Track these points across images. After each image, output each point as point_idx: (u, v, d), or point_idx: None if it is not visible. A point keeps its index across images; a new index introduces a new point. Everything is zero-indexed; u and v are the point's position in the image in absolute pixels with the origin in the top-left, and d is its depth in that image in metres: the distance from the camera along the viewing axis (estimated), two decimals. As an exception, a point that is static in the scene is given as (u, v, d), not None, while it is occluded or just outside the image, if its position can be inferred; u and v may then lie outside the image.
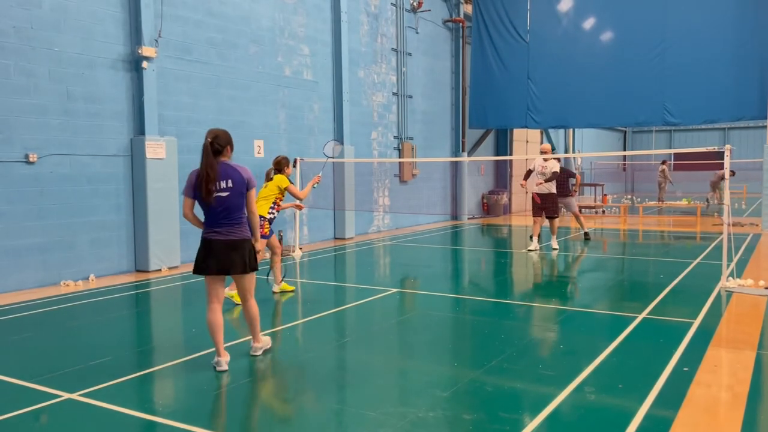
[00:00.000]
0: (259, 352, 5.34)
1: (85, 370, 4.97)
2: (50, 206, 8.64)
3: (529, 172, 11.94)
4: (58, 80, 8.70)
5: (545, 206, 11.74)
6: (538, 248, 11.71)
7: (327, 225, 13.95)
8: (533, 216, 11.96)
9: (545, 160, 11.59)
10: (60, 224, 8.76)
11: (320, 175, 8.18)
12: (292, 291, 8.05)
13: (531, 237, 11.93)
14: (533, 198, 11.83)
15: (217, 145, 4.82)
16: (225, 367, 4.93)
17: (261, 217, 7.23)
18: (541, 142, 25.10)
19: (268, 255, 7.90)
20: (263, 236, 7.24)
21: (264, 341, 5.43)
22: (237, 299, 7.02)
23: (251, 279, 5.12)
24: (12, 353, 5.57)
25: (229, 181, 4.84)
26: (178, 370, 5.07)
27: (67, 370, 4.96)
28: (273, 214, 7.48)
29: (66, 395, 4.41)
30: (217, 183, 4.80)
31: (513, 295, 8.35)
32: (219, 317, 4.98)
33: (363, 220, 14.89)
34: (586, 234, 13.34)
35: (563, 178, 12.98)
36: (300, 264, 10.55)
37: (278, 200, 7.53)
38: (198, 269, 4.93)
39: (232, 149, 4.97)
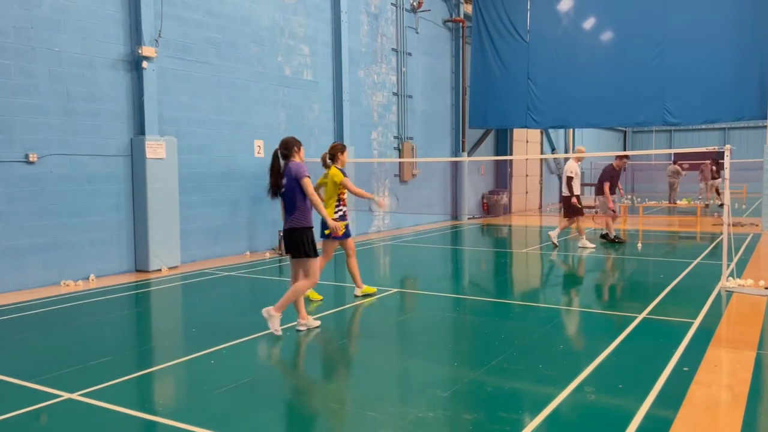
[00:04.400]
0: (303, 328, 6.06)
1: (85, 370, 4.97)
2: (50, 206, 8.64)
3: (570, 179, 11.94)
4: (58, 80, 8.70)
5: (578, 207, 11.95)
6: (593, 246, 11.93)
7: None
8: (570, 216, 12.10)
9: (579, 160, 11.84)
10: (60, 224, 8.76)
11: (384, 200, 8.09)
12: (373, 292, 7.75)
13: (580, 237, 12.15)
14: (575, 201, 11.93)
15: (284, 151, 5.89)
16: (302, 328, 6.05)
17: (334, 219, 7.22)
18: (541, 142, 25.07)
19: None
20: (339, 237, 7.14)
21: (310, 321, 6.13)
22: (370, 290, 7.68)
23: (304, 263, 5.91)
24: (12, 353, 5.58)
25: (285, 179, 5.88)
26: (178, 370, 5.07)
27: (67, 370, 4.96)
28: (341, 210, 7.34)
29: (66, 395, 4.41)
30: (281, 182, 5.89)
31: (513, 295, 8.35)
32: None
33: (363, 220, 14.88)
34: (616, 237, 12.97)
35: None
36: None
37: (341, 196, 7.34)
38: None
39: (299, 150, 5.94)
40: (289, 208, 5.90)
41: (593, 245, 12.07)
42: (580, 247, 11.91)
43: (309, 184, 5.79)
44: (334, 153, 7.43)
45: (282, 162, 5.88)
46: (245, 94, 11.60)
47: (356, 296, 7.66)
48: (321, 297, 7.58)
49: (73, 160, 8.92)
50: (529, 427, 3.80)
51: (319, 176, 7.56)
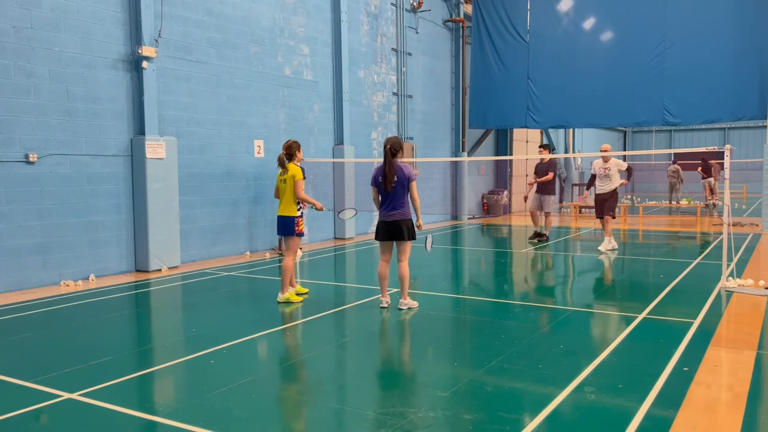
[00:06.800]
0: (404, 307, 6.87)
1: (85, 370, 4.97)
2: (50, 206, 8.64)
3: (593, 178, 11.86)
4: (58, 80, 8.70)
5: (606, 205, 11.66)
6: (615, 246, 11.64)
7: (327, 225, 13.95)
8: (597, 217, 11.95)
9: (606, 160, 11.60)
10: (60, 224, 8.76)
11: (323, 208, 7.72)
12: (300, 301, 7.48)
13: (605, 237, 11.77)
14: (595, 199, 11.88)
15: (393, 150, 6.64)
16: (385, 305, 6.92)
17: (293, 217, 7.33)
18: (541, 142, 25.06)
19: (299, 256, 7.67)
20: (300, 234, 7.37)
21: (410, 302, 6.94)
22: (294, 299, 7.42)
23: (409, 246, 6.83)
24: (12, 353, 5.57)
25: (395, 176, 6.64)
26: (177, 370, 5.07)
27: (67, 370, 4.96)
28: (302, 208, 7.44)
29: (66, 395, 4.41)
30: (393, 177, 6.62)
31: (513, 295, 8.34)
32: (385, 270, 6.90)
33: (363, 220, 14.88)
34: (541, 234, 13.09)
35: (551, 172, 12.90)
36: (300, 264, 10.55)
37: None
38: (376, 236, 6.92)
39: (402, 152, 6.77)
40: (395, 202, 6.72)
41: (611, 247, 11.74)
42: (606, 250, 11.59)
43: (415, 187, 6.77)
44: (291, 152, 7.42)
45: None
46: (245, 94, 11.60)
47: (279, 301, 7.38)
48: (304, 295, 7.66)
49: (73, 160, 8.92)
50: (529, 427, 3.80)
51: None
